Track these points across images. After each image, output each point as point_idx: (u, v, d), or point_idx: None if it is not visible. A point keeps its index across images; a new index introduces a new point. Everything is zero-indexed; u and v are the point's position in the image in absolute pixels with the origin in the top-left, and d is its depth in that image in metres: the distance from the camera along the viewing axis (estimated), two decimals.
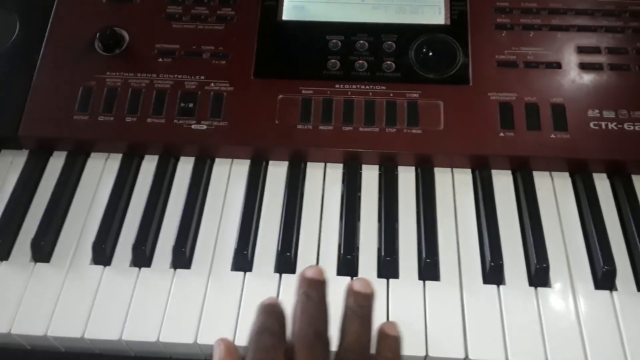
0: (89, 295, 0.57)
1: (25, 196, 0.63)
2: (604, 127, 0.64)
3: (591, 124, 0.64)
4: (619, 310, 0.55)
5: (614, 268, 0.56)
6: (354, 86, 0.67)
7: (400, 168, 0.65)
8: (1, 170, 0.66)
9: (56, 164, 0.66)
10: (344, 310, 0.50)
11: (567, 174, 0.64)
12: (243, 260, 0.58)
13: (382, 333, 0.48)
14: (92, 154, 0.67)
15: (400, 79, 0.67)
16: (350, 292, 0.50)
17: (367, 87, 0.67)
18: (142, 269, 0.59)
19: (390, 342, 0.47)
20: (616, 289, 0.56)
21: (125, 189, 0.64)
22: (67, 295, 0.57)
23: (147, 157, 0.67)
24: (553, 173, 0.64)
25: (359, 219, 0.62)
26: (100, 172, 0.65)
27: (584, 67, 0.67)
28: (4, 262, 0.59)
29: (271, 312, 0.49)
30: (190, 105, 0.66)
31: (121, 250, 0.60)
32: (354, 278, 0.54)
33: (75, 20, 0.71)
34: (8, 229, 0.60)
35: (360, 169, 0.65)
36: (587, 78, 0.66)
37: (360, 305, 0.48)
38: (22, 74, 0.68)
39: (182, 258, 0.58)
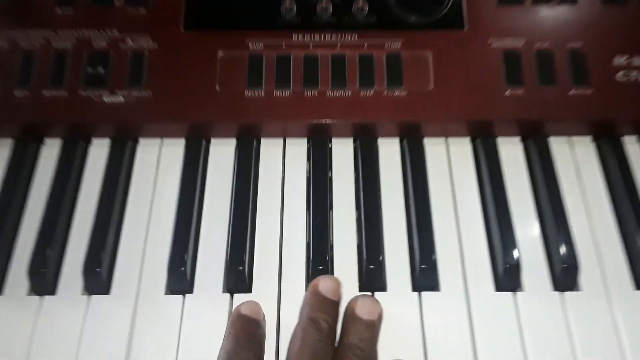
0: None
1: None
2: (633, 78, 0.51)
3: (618, 75, 0.51)
4: None
5: None
6: (316, 37, 0.52)
7: (380, 141, 0.51)
8: None
9: None
10: (340, 341, 0.38)
11: (589, 138, 0.51)
12: (180, 280, 0.44)
13: None
14: None
15: (376, 25, 0.52)
16: (351, 317, 0.38)
17: (334, 37, 0.52)
18: (45, 297, 0.44)
19: None
20: None
21: (19, 186, 0.48)
22: None
23: (47, 141, 0.51)
24: (573, 138, 0.51)
25: (331, 208, 0.48)
26: None
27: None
28: None
29: (247, 335, 0.37)
30: (101, 70, 0.50)
31: (15, 274, 0.45)
32: (359, 295, 0.41)
33: None
34: None
35: (330, 144, 0.51)
36: (613, 14, 0.52)
37: (361, 339, 0.36)
38: None
39: (97, 281, 0.44)
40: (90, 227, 0.46)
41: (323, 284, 0.39)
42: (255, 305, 0.40)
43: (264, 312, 0.42)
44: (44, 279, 0.44)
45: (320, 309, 0.38)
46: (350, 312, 0.39)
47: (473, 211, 0.47)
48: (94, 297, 0.44)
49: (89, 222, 0.46)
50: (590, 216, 0.47)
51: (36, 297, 0.44)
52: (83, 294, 0.44)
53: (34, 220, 0.47)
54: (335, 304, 0.39)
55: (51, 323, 0.43)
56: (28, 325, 0.43)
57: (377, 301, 0.40)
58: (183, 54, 0.51)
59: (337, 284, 0.39)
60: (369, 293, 0.44)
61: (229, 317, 0.43)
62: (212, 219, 0.47)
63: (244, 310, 0.39)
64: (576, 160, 0.50)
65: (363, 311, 0.39)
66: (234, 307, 0.43)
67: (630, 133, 0.51)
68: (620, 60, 0.51)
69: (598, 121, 0.50)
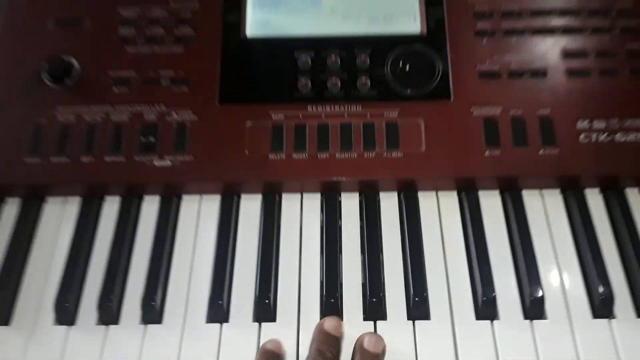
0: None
1: None
2: (594, 139, 0.60)
3: (581, 137, 0.60)
4: (618, 341, 0.52)
5: (611, 293, 0.53)
6: (327, 108, 0.62)
7: (382, 194, 0.61)
8: None
9: (10, 212, 0.61)
10: None
11: (558, 190, 0.61)
12: (218, 311, 0.54)
13: None
14: (48, 199, 0.61)
15: (377, 97, 0.62)
16: (359, 349, 0.47)
17: (342, 108, 0.62)
18: (110, 326, 0.54)
19: None
20: (614, 317, 0.53)
21: (86, 236, 0.59)
22: None
23: (108, 198, 0.62)
24: (543, 191, 0.61)
25: (340, 252, 0.58)
26: (59, 219, 0.60)
27: (571, 73, 0.62)
28: None
29: None
30: (151, 139, 0.61)
31: (86, 307, 0.55)
32: (367, 333, 0.50)
33: (18, 50, 0.65)
34: None
35: (340, 197, 0.61)
36: (575, 85, 0.62)
37: None
38: None
39: (153, 312, 0.54)
40: (145, 269, 0.56)
41: (328, 323, 0.48)
42: (277, 342, 0.50)
43: (287, 335, 0.51)
44: (109, 311, 0.54)
45: (326, 343, 0.47)
46: (359, 346, 0.48)
47: (458, 253, 0.57)
48: (149, 326, 0.54)
49: (145, 264, 0.57)
50: (557, 257, 0.56)
51: (102, 326, 0.54)
52: (140, 324, 0.54)
53: (100, 263, 0.57)
54: (338, 339, 0.48)
55: (115, 349, 0.53)
56: (96, 350, 0.53)
57: (381, 338, 0.49)
58: (218, 125, 0.61)
59: (339, 323, 0.49)
60: (372, 322, 0.53)
61: (257, 342, 0.53)
62: (244, 261, 0.57)
63: (268, 346, 0.49)
64: (546, 210, 0.59)
65: (370, 345, 0.48)
66: (261, 334, 0.53)
67: (592, 186, 0.60)
68: (582, 124, 0.60)
69: (564, 176, 0.59)
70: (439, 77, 0.63)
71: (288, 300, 0.55)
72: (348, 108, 0.62)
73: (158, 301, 0.55)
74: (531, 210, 0.59)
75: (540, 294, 0.53)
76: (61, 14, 0.66)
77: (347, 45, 0.64)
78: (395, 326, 0.53)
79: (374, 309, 0.54)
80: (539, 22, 0.65)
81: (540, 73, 0.62)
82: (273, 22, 0.66)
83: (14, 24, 0.65)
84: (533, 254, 0.56)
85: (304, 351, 0.52)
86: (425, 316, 0.54)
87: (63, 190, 0.61)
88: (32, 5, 0.66)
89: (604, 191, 0.60)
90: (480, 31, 0.64)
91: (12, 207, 0.61)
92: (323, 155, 0.60)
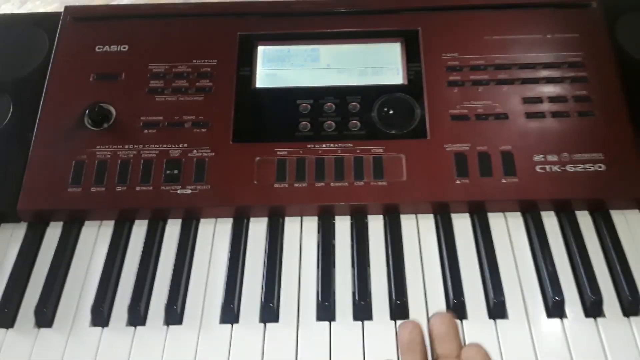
0: (90, 356, 0.62)
1: (27, 266, 0.68)
2: (548, 170, 0.71)
3: (537, 168, 0.71)
4: (569, 336, 0.61)
5: (562, 298, 0.63)
6: (324, 145, 0.73)
7: (369, 217, 0.71)
8: (2, 243, 0.71)
9: (53, 234, 0.71)
10: None
11: (519, 213, 0.71)
12: (230, 314, 0.64)
13: None
14: (86, 223, 0.72)
15: (365, 136, 0.74)
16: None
17: (336, 145, 0.73)
18: (138, 327, 0.64)
19: None
20: (566, 317, 0.63)
21: (118, 253, 0.69)
22: (70, 357, 0.62)
23: (137, 221, 0.72)
24: (506, 213, 0.71)
25: (334, 266, 0.68)
26: (95, 239, 0.71)
27: (528, 116, 0.74)
28: (9, 329, 0.64)
29: None
30: (175, 172, 0.72)
31: (118, 311, 0.65)
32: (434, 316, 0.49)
33: (65, 99, 0.77)
34: (12, 299, 0.65)
35: (334, 220, 0.71)
36: (532, 126, 0.73)
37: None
38: (17, 151, 0.74)
39: (174, 315, 0.64)
40: (168, 279, 0.66)
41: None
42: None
43: (288, 334, 0.61)
44: (138, 314, 0.64)
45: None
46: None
47: (434, 266, 0.67)
48: (172, 326, 0.64)
49: (168, 276, 0.67)
50: (517, 268, 0.66)
51: (131, 327, 0.64)
52: (163, 325, 0.64)
53: (130, 275, 0.67)
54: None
55: (142, 345, 0.63)
56: (126, 347, 0.63)
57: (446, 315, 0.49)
58: (232, 159, 0.72)
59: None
60: (360, 322, 0.63)
61: (262, 339, 0.62)
62: (252, 272, 0.67)
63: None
64: (509, 229, 0.69)
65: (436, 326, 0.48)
66: (266, 332, 0.63)
67: (547, 209, 0.70)
68: (538, 157, 0.71)
69: (523, 201, 0.70)
70: (417, 120, 0.74)
71: (289, 305, 0.64)
72: (341, 145, 0.73)
73: (179, 306, 0.64)
74: (495, 230, 0.69)
75: (502, 298, 0.63)
76: (101, 70, 0.79)
77: (341, 94, 0.76)
78: (379, 325, 0.62)
79: (362, 311, 0.63)
80: (501, 74, 0.77)
81: (502, 116, 0.74)
82: (279, 75, 0.79)
83: (62, 77, 0.78)
84: (496, 266, 0.66)
85: (303, 347, 0.61)
86: (405, 316, 0.63)
87: (99, 214, 0.72)
88: (77, 62, 0.79)
89: (558, 214, 0.70)
90: (452, 82, 0.76)
91: (56, 229, 0.72)
92: (320, 184, 0.71)
